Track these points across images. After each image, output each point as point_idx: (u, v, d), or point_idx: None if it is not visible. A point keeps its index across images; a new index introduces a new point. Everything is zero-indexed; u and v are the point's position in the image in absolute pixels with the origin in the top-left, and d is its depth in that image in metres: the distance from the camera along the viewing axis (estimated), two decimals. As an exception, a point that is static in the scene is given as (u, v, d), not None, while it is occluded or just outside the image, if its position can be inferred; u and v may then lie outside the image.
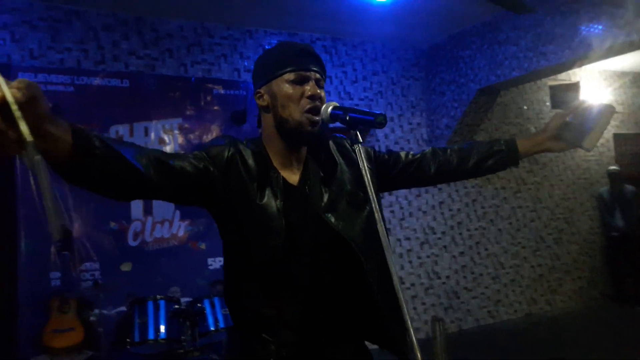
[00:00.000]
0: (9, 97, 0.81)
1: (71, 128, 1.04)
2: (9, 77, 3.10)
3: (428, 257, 6.17)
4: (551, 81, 7.20)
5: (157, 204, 4.62)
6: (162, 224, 4.65)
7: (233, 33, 5.25)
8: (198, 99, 4.96)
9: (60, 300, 3.84)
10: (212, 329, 3.77)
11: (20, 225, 4.07)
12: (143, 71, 4.80)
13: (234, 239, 1.47)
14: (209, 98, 5.00)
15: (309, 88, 1.43)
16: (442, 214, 6.32)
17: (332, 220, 1.46)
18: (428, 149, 1.75)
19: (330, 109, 1.42)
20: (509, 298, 6.66)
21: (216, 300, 3.89)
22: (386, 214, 5.93)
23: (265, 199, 1.42)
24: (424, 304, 6.06)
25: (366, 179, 1.28)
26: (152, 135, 4.73)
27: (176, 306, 3.73)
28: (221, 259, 4.72)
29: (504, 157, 1.69)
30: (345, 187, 1.53)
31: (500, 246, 6.68)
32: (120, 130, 4.61)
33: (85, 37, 4.60)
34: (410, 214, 6.11)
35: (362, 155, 1.31)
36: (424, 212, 6.20)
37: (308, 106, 1.44)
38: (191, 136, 4.90)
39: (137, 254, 4.52)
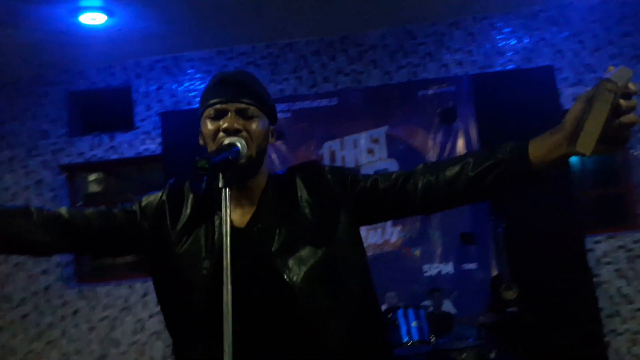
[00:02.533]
0: None
1: None
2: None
3: None
4: None
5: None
6: (375, 230, 4.76)
7: (438, 28, 5.01)
8: (403, 104, 4.91)
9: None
10: (405, 340, 3.69)
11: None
12: (350, 86, 5.03)
13: (158, 294, 1.36)
14: (414, 101, 4.89)
15: (222, 122, 1.28)
16: None
17: (283, 266, 1.25)
18: (420, 165, 1.34)
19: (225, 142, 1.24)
20: None
21: (410, 312, 3.79)
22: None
23: (187, 246, 1.29)
24: None
25: (225, 227, 1.08)
26: (362, 146, 4.90)
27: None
28: (437, 265, 4.62)
29: (506, 170, 1.17)
30: (307, 225, 1.31)
31: None
32: (332, 145, 4.93)
33: (298, 66, 5.10)
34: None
35: (227, 203, 1.10)
36: None
37: (222, 140, 1.27)
38: (398, 142, 4.88)
39: (353, 261, 4.74)
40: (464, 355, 3.62)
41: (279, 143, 4.95)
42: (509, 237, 4.30)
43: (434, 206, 1.33)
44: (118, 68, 5.35)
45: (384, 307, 4.25)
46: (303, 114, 4.98)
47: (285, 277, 1.24)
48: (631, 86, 0.98)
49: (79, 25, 4.39)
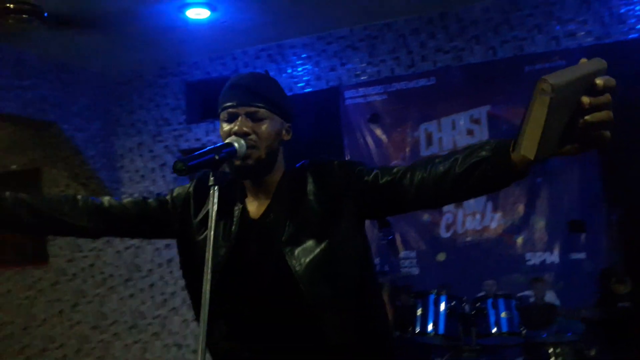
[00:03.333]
0: None
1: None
2: (337, 97, 4.02)
3: None
4: None
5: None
6: (473, 216, 4.58)
7: (548, -2, 4.61)
8: (507, 81, 4.61)
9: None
10: (494, 330, 3.56)
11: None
12: (450, 65, 4.84)
13: (183, 276, 1.50)
14: (519, 78, 4.56)
15: (232, 125, 1.36)
16: None
17: (290, 255, 1.32)
18: (420, 159, 1.35)
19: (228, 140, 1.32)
20: None
21: (500, 302, 3.62)
22: None
23: (205, 234, 1.35)
24: None
25: (210, 223, 1.17)
26: (461, 127, 4.71)
27: (453, 303, 3.69)
28: (541, 254, 4.34)
29: (489, 168, 1.13)
30: (313, 218, 1.36)
31: None
32: (429, 127, 4.81)
33: (396, 46, 5.01)
34: None
35: (214, 199, 1.19)
36: None
37: None
38: (501, 122, 4.61)
39: (450, 245, 4.63)
40: (559, 350, 3.39)
41: (373, 126, 4.95)
42: (625, 225, 3.91)
43: (428, 202, 1.34)
44: (228, 58, 5.69)
45: (479, 294, 4.10)
46: (399, 96, 4.91)
47: (289, 265, 1.31)
48: (598, 81, 0.87)
49: (187, 20, 4.74)
